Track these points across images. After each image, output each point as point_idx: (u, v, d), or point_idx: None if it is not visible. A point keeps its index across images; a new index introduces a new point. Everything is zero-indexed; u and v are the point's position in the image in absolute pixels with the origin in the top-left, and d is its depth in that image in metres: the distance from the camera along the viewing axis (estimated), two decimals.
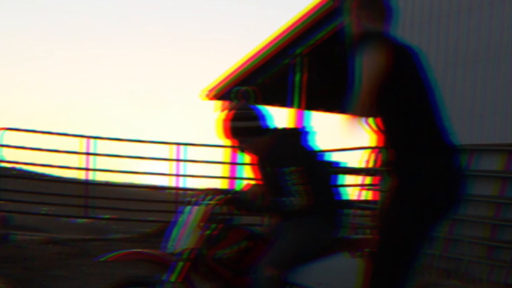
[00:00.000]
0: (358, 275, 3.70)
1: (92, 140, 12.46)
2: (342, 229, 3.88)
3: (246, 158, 4.04)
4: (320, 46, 12.98)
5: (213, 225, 3.79)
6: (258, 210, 3.83)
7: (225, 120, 3.86)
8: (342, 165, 11.63)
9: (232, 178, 13.96)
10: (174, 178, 12.95)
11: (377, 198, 9.27)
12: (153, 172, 13.22)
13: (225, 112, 3.89)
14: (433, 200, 3.20)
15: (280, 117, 15.27)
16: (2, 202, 12.33)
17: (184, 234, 3.74)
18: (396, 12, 3.45)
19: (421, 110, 3.24)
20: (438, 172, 3.20)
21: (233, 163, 14.33)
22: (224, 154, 14.69)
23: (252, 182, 4.10)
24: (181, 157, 12.88)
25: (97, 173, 12.84)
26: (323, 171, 3.90)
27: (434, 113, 3.27)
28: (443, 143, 3.26)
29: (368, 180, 9.65)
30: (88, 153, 12.43)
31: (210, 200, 3.78)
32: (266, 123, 3.89)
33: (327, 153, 11.62)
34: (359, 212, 9.70)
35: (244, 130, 3.83)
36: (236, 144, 3.92)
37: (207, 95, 16.08)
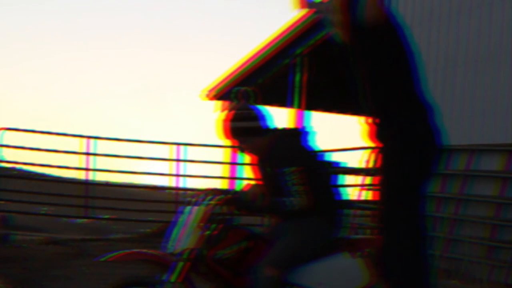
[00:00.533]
0: (364, 273, 3.72)
1: (91, 140, 12.46)
2: (342, 229, 3.88)
3: (246, 158, 4.04)
4: (320, 46, 12.97)
5: (213, 225, 3.79)
6: (258, 210, 3.83)
7: (225, 121, 3.86)
8: (342, 165, 11.62)
9: (232, 178, 13.95)
10: (174, 178, 12.95)
11: (377, 198, 9.26)
12: (153, 172, 13.21)
13: (225, 112, 3.89)
14: (424, 152, 3.45)
15: (280, 117, 15.29)
16: (2, 202, 12.32)
17: (184, 234, 3.74)
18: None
19: (404, 73, 3.50)
20: (423, 127, 3.48)
21: (233, 163, 14.32)
22: (224, 154, 14.68)
23: (252, 182, 4.10)
24: (181, 157, 12.88)
25: (97, 173, 12.84)
26: (323, 171, 3.89)
27: (414, 76, 3.53)
28: (422, 102, 3.53)
29: (368, 180, 9.64)
30: (87, 153, 12.43)
31: (210, 200, 3.78)
32: (266, 123, 3.89)
33: (327, 153, 11.61)
34: (359, 212, 9.69)
35: (244, 130, 3.83)
36: (236, 144, 3.92)
37: (207, 95, 16.07)
